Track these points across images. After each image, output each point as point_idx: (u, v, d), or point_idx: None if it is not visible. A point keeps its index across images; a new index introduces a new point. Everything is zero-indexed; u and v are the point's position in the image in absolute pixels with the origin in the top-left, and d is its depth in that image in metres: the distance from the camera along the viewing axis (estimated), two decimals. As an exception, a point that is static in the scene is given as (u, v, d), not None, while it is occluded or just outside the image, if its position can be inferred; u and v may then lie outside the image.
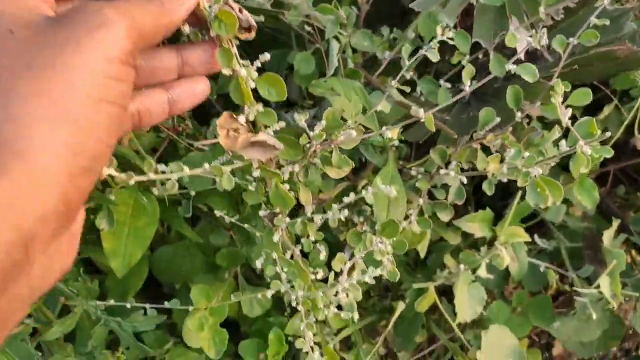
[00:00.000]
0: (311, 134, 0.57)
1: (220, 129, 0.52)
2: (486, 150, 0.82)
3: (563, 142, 0.60)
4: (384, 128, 0.62)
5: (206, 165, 0.56)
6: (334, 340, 0.94)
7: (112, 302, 0.75)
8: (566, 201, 1.05)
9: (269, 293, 0.83)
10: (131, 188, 0.77)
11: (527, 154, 0.67)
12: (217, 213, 0.81)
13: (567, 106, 0.60)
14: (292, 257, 0.77)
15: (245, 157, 0.56)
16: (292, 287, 0.82)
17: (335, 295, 0.64)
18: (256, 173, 0.69)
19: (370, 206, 0.84)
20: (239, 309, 0.97)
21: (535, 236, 1.01)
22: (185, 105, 0.47)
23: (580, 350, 1.06)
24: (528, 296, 1.03)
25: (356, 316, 0.69)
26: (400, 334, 1.02)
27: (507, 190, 1.22)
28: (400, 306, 0.88)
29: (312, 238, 0.75)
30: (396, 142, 0.81)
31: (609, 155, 0.58)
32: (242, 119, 0.53)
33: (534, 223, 1.02)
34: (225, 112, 0.53)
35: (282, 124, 0.55)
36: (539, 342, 1.32)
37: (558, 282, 1.24)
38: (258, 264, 0.74)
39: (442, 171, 0.79)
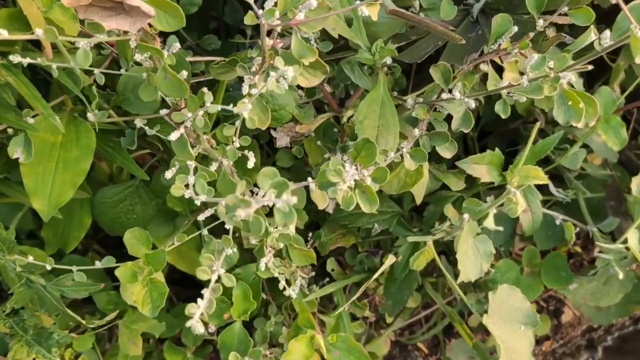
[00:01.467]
0: (260, 12, 0.42)
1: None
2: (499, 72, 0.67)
3: (607, 33, 0.45)
4: (357, 2, 0.47)
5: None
6: (312, 294, 0.81)
7: (30, 259, 0.60)
8: (584, 147, 0.91)
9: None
10: (59, 113, 0.62)
11: (552, 63, 0.52)
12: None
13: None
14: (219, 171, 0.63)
15: (106, 26, 0.42)
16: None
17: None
18: (138, 56, 0.55)
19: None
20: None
21: (550, 185, 0.87)
22: None
23: (597, 316, 0.93)
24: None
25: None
26: (392, 297, 0.88)
27: (515, 139, 1.08)
28: (390, 259, 0.74)
29: (237, 144, 0.61)
30: (389, 60, 0.66)
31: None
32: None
33: (549, 170, 0.88)
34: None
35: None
36: (546, 309, 1.19)
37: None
38: (168, 174, 0.60)
39: (445, 95, 0.64)
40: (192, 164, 0.60)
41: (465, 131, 0.61)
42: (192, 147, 0.61)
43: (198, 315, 0.52)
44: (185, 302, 1.01)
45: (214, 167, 0.63)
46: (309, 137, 0.78)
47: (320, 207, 0.65)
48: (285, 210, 0.45)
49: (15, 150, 0.58)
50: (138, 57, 0.56)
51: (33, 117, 0.61)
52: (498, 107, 0.58)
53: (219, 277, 0.64)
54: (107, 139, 0.66)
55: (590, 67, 0.49)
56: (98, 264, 0.61)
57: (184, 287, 1.11)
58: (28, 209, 0.85)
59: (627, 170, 0.98)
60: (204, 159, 0.68)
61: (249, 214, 0.45)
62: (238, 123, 0.60)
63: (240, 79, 0.72)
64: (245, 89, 0.58)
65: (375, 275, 0.77)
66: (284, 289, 0.76)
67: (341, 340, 0.76)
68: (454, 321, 0.81)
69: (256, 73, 0.58)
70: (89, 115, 0.63)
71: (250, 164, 0.63)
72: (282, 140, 0.68)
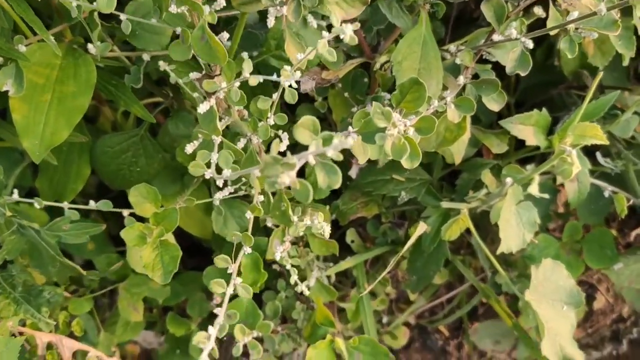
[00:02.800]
0: None
1: None
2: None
3: None
4: None
5: None
6: (329, 271, 0.73)
7: (15, 196, 0.53)
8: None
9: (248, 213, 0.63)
10: (58, 44, 0.55)
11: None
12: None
13: None
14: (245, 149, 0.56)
15: None
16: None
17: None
18: (173, 7, 0.48)
19: (392, 90, 0.62)
20: (213, 232, 0.76)
21: (598, 154, 0.79)
22: None
23: (639, 300, 0.86)
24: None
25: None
26: (417, 272, 0.80)
27: (552, 109, 0.99)
28: (421, 227, 0.66)
29: (271, 121, 0.54)
30: (432, -4, 0.58)
31: None
32: None
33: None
34: None
35: None
36: (578, 294, 1.11)
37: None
38: (189, 148, 0.55)
39: (497, 37, 0.56)
40: (217, 139, 0.53)
41: (523, 74, 0.53)
42: (220, 119, 0.54)
43: (208, 351, 0.46)
44: (192, 271, 0.94)
45: (240, 144, 0.56)
46: (335, 89, 0.71)
47: (362, 161, 0.57)
48: (338, 159, 0.37)
49: (5, 82, 0.51)
50: (174, 8, 0.49)
51: (26, 46, 0.54)
52: (564, 45, 0.49)
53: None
54: (109, 76, 0.59)
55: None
56: (92, 204, 0.54)
57: (190, 255, 1.04)
58: (28, 164, 0.78)
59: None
60: (227, 131, 0.61)
61: (293, 178, 0.37)
62: (276, 96, 0.52)
63: (262, 17, 0.65)
64: (270, 22, 0.50)
65: (406, 248, 0.69)
66: (296, 284, 0.69)
67: (364, 342, 0.69)
68: (489, 299, 0.74)
69: (284, 3, 0.50)
70: (90, 47, 0.56)
71: (283, 146, 0.55)
72: (306, 84, 0.61)
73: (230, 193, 0.65)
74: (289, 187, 0.63)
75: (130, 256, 0.65)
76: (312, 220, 0.65)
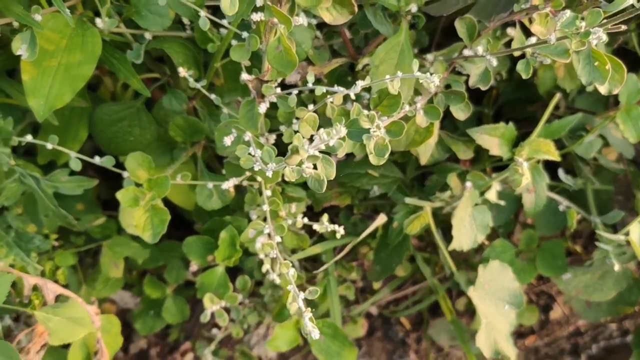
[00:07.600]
0: None
1: None
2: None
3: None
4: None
5: None
6: (294, 256, 0.79)
7: (29, 138, 0.59)
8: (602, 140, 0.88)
9: (230, 183, 0.69)
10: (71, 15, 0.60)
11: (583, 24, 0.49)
12: (181, 72, 0.65)
13: None
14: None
15: None
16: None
17: (300, 165, 0.48)
18: (257, 15, 0.53)
19: (370, 91, 0.68)
20: (196, 204, 0.81)
21: (560, 170, 0.85)
22: None
23: (586, 312, 0.92)
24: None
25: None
26: (381, 262, 0.86)
27: (530, 126, 1.05)
28: (381, 218, 0.72)
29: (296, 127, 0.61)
30: (414, 9, 0.63)
31: None
32: None
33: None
34: None
35: None
36: (537, 303, 1.17)
37: (570, 241, 1.08)
38: (227, 141, 0.60)
39: (467, 52, 0.62)
40: (249, 135, 0.59)
41: (483, 88, 0.59)
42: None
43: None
44: (174, 241, 1.00)
45: (261, 140, 0.63)
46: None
47: (340, 156, 0.64)
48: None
49: (19, 47, 0.56)
50: (254, 16, 0.53)
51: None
52: (520, 67, 0.55)
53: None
54: (113, 50, 0.64)
55: (624, 27, 0.46)
56: (97, 159, 0.60)
57: (176, 227, 1.09)
58: (28, 123, 0.83)
59: (640, 169, 0.96)
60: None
61: (310, 169, 0.45)
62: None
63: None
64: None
65: (364, 234, 0.75)
66: (267, 272, 0.74)
67: (327, 325, 0.75)
68: (437, 293, 0.80)
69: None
70: (98, 21, 0.61)
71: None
72: (292, 77, 0.66)
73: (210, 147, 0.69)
74: (284, 182, 0.70)
75: (122, 216, 0.71)
76: (289, 210, 0.72)
